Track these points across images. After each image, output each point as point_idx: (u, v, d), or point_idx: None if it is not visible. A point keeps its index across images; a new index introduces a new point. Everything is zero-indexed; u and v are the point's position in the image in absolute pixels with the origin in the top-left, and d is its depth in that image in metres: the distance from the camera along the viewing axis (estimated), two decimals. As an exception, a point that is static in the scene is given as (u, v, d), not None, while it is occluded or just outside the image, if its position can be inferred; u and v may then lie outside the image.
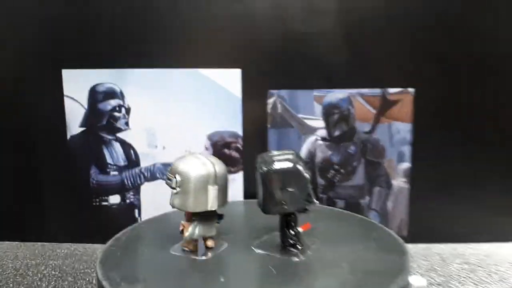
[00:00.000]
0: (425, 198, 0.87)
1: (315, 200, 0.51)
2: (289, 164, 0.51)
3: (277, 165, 0.51)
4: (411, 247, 0.60)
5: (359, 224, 0.68)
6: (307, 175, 0.51)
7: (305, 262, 0.52)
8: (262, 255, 0.54)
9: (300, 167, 0.51)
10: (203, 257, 0.53)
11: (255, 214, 0.54)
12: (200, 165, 0.52)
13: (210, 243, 0.54)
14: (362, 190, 0.88)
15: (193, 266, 0.52)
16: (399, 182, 0.88)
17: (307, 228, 0.54)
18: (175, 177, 0.51)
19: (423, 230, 0.88)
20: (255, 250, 0.54)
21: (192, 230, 0.52)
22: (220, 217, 0.54)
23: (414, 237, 0.87)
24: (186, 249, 0.54)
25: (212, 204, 0.51)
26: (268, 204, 0.51)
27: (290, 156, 0.52)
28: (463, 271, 0.77)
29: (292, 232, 0.53)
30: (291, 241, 0.53)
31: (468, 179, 0.87)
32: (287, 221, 0.53)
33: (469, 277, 0.75)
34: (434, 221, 0.88)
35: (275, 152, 0.53)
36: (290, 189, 0.50)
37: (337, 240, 0.59)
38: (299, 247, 0.53)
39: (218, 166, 0.53)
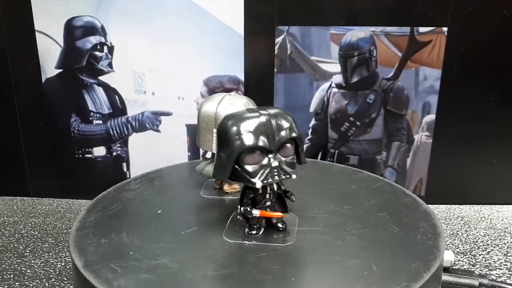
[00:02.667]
0: (448, 155, 0.80)
1: (255, 180, 0.39)
2: (225, 124, 0.40)
3: (221, 122, 0.41)
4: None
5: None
6: (236, 143, 0.39)
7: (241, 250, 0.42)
8: (235, 220, 0.47)
9: (229, 131, 0.39)
10: (209, 196, 0.53)
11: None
12: (214, 104, 0.50)
13: (225, 187, 0.54)
14: (379, 145, 0.80)
15: (189, 202, 0.52)
16: (422, 137, 0.79)
17: (269, 216, 0.43)
18: None
19: (444, 190, 0.82)
20: (235, 213, 0.47)
21: (203, 166, 0.53)
22: None
23: (434, 197, 0.81)
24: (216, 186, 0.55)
25: (216, 147, 0.48)
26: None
27: (247, 114, 0.40)
28: (489, 237, 0.70)
29: (242, 209, 0.43)
30: (240, 218, 0.44)
31: (498, 135, 0.79)
32: (243, 193, 0.43)
33: (496, 244, 0.67)
34: (456, 180, 0.81)
35: (253, 108, 0.43)
36: (221, 154, 0.40)
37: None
38: (249, 232, 0.44)
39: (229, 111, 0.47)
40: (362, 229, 0.45)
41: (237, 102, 0.49)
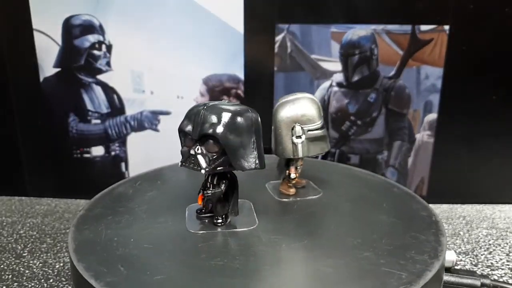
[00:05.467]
0: (450, 154, 0.79)
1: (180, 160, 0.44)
2: None
3: None
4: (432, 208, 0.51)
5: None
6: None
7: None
8: None
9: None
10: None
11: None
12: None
13: (282, 187, 0.56)
14: (380, 144, 0.79)
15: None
16: (423, 136, 0.78)
17: (200, 200, 0.47)
18: None
19: (446, 189, 0.81)
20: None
21: None
22: None
23: (436, 196, 0.80)
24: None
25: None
26: None
27: (201, 104, 0.44)
28: (491, 237, 0.69)
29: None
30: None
31: (501, 134, 0.78)
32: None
33: (498, 244, 0.67)
34: (458, 180, 0.80)
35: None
36: None
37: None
38: (198, 211, 0.48)
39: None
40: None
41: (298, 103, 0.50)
